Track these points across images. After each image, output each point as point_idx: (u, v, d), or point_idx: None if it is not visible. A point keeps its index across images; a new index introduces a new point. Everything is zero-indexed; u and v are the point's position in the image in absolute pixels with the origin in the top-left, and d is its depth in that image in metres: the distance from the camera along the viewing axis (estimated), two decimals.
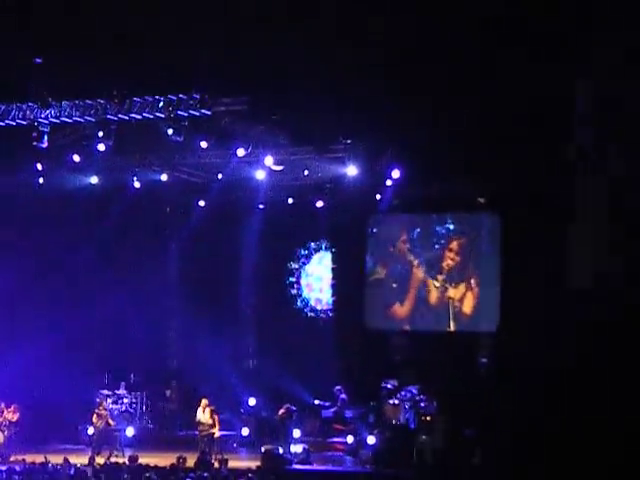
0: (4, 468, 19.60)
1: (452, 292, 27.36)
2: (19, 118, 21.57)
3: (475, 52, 19.53)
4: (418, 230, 28.07)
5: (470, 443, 21.25)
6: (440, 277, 27.61)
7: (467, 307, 27.25)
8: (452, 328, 27.35)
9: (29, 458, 20.67)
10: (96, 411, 23.97)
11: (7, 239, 25.97)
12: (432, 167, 24.31)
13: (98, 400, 24.53)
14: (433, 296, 27.71)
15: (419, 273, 27.94)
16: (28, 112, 21.47)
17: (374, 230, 28.79)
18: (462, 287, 27.29)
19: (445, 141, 22.36)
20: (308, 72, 19.79)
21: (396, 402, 24.94)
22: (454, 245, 27.50)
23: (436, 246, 27.78)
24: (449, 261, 27.52)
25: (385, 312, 28.32)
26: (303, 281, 30.18)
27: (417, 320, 27.91)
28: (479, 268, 27.16)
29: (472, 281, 27.20)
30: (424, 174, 24.96)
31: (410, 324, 28.01)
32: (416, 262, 28.02)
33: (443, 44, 19.05)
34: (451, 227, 27.65)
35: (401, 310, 28.17)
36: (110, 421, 24.01)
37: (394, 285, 28.31)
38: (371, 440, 23.17)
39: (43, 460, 19.98)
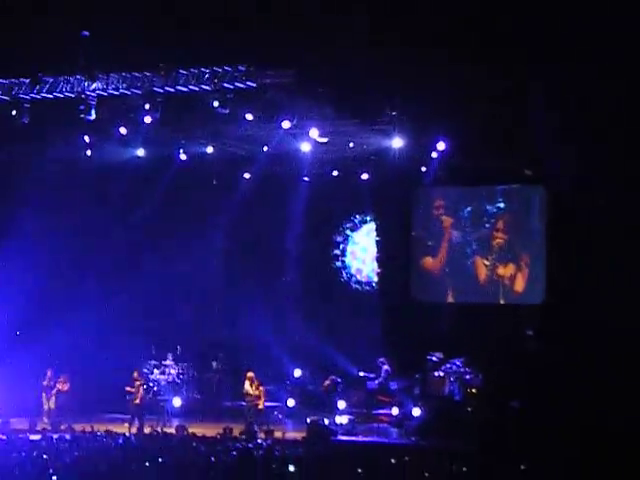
0: (55, 436, 19.88)
1: (502, 271, 27.17)
2: (67, 91, 21.73)
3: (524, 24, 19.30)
4: (468, 209, 27.82)
5: (516, 415, 21.21)
6: (490, 257, 27.41)
7: (518, 285, 27.05)
8: (502, 302, 27.20)
9: (78, 427, 20.94)
10: (132, 381, 24.23)
11: (55, 211, 26.21)
12: (478, 139, 24.11)
13: (136, 371, 24.63)
14: (482, 274, 27.55)
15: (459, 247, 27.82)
16: (76, 85, 21.63)
17: (419, 202, 28.66)
18: (512, 266, 27.08)
19: (491, 112, 22.18)
20: (354, 44, 19.69)
21: (441, 374, 24.94)
22: (503, 224, 27.27)
23: (486, 225, 27.56)
24: (499, 240, 27.30)
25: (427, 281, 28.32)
26: (349, 249, 30.18)
27: (461, 294, 27.82)
28: (529, 245, 26.95)
29: (522, 260, 27.00)
30: (470, 146, 24.77)
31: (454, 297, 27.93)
32: (455, 234, 27.89)
33: (492, 14, 18.85)
34: (501, 205, 27.38)
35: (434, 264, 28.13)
36: (140, 393, 24.04)
37: (438, 256, 28.24)
38: (416, 412, 23.22)
39: (91, 429, 20.23)
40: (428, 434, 21.46)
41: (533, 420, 20.46)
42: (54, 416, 23.36)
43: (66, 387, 23.76)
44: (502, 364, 23.99)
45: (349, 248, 30.20)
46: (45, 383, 23.76)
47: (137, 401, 23.83)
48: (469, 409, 23.26)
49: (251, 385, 23.40)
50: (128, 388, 23.98)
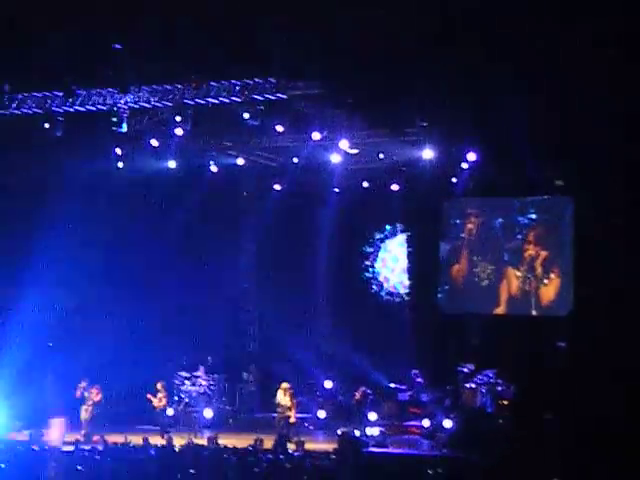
0: (87, 447, 19.97)
1: (533, 282, 27.03)
2: (99, 103, 21.93)
3: (553, 39, 19.19)
4: (500, 220, 27.74)
5: (549, 427, 21.06)
6: (522, 268, 27.28)
7: (548, 296, 26.93)
8: (534, 313, 27.08)
9: (110, 438, 21.00)
10: (157, 395, 24.34)
11: (87, 222, 26.37)
12: (508, 150, 24.04)
13: (157, 384, 24.72)
14: (514, 286, 27.42)
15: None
16: (108, 97, 21.82)
17: (449, 213, 28.61)
18: (544, 277, 26.95)
19: (522, 123, 22.09)
20: (383, 55, 19.69)
21: (473, 386, 24.83)
22: (535, 235, 27.14)
23: (518, 236, 27.46)
24: (530, 252, 27.17)
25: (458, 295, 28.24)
26: (380, 256, 30.15)
27: (491, 305, 27.73)
28: (560, 257, 26.81)
29: (554, 270, 26.87)
30: (500, 157, 24.71)
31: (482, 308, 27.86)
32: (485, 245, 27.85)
33: (521, 26, 18.78)
34: (533, 217, 27.27)
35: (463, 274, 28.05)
36: (162, 403, 24.16)
37: (470, 269, 28.15)
38: (448, 424, 23.08)
39: (124, 440, 20.29)
40: (459, 446, 21.32)
41: (565, 432, 20.33)
42: (87, 427, 23.45)
43: (99, 398, 23.85)
44: (534, 376, 23.85)
45: (380, 255, 30.18)
46: (78, 394, 23.84)
47: (162, 410, 23.99)
48: (501, 421, 23.14)
49: (284, 396, 23.37)
50: (149, 396, 24.11)
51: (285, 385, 23.50)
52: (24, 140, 23.76)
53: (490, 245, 27.88)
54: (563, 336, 25.74)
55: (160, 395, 24.38)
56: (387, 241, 30.11)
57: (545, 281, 26.95)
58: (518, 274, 27.33)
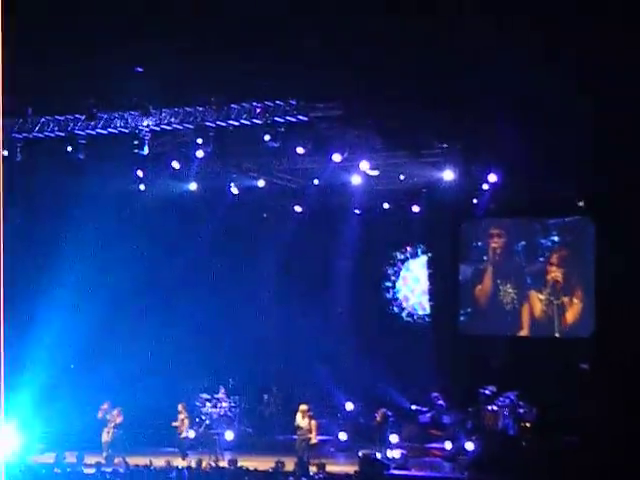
0: (109, 470, 19.97)
1: (557, 305, 26.89)
2: (121, 126, 22.03)
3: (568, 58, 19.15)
4: (522, 243, 27.64)
5: (571, 450, 20.94)
6: (545, 290, 27.15)
7: (571, 318, 26.80)
8: (557, 335, 26.93)
9: (132, 460, 21.00)
10: (177, 417, 24.31)
11: (109, 245, 26.49)
12: (529, 171, 24.00)
13: (179, 406, 24.68)
14: (537, 309, 27.29)
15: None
16: (129, 120, 21.92)
17: (471, 235, 28.56)
18: (567, 299, 26.80)
19: (543, 144, 22.06)
20: (403, 76, 19.71)
21: (495, 408, 24.69)
22: (559, 258, 27.02)
23: (540, 259, 27.34)
24: (553, 274, 27.04)
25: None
26: (402, 274, 30.10)
27: (514, 327, 27.61)
28: (583, 278, 26.66)
29: (577, 292, 26.73)
30: (521, 178, 24.66)
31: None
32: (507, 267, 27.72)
33: (538, 49, 18.75)
34: (556, 239, 27.16)
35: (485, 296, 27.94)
36: (185, 425, 24.13)
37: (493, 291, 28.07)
38: (470, 446, 22.98)
39: (146, 463, 20.27)
40: (482, 469, 21.24)
41: (587, 454, 20.20)
42: (109, 449, 23.45)
43: (120, 420, 23.85)
44: (556, 398, 23.72)
45: (402, 274, 30.14)
46: (100, 416, 23.86)
47: (184, 434, 23.96)
48: (523, 443, 23.02)
49: (303, 418, 23.30)
50: (174, 424, 24.09)
51: (303, 407, 23.43)
52: (47, 163, 23.92)
53: (512, 268, 27.78)
54: (585, 358, 25.61)
55: (182, 417, 24.36)
56: (409, 261, 30.06)
57: (568, 303, 26.81)
58: (541, 297, 27.20)
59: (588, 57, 18.75)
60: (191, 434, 24.62)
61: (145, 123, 21.83)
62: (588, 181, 24.09)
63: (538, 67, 18.94)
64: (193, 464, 21.16)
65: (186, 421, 24.38)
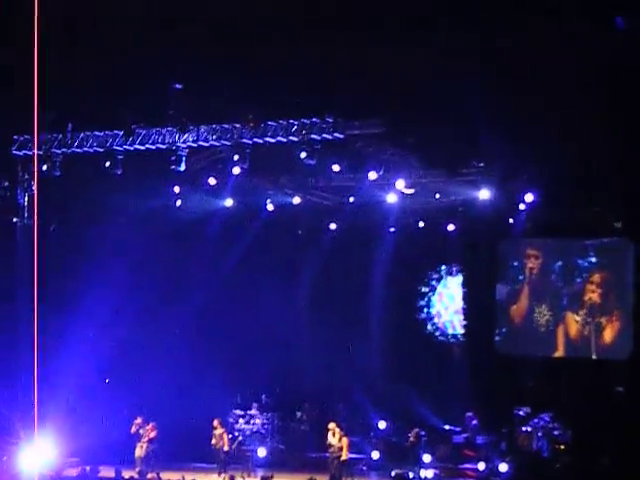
0: None
1: (593, 327, 26.62)
2: (158, 142, 22.21)
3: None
4: (559, 263, 27.41)
5: (606, 473, 20.72)
6: (581, 312, 26.88)
7: (608, 340, 26.50)
8: (594, 357, 26.66)
9: (165, 476, 21.02)
10: (213, 433, 24.27)
11: (144, 260, 26.62)
12: (566, 191, 23.88)
13: (214, 422, 24.67)
14: (573, 330, 27.05)
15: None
16: (167, 136, 22.11)
17: (506, 254, 28.39)
18: (604, 320, 26.53)
19: (580, 165, 21.95)
20: (440, 94, 19.71)
21: (529, 429, 24.50)
22: (596, 279, 26.73)
23: (577, 280, 27.09)
24: (590, 295, 26.77)
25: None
26: (438, 290, 29.99)
27: (550, 348, 27.39)
28: (621, 300, 26.39)
29: (614, 314, 26.47)
30: (557, 198, 24.53)
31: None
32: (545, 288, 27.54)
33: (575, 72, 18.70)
34: (593, 260, 26.90)
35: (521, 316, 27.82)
36: (225, 440, 24.10)
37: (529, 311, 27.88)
38: (503, 468, 22.82)
39: (179, 478, 20.28)
40: None
41: (622, 478, 19.99)
42: (142, 464, 23.48)
43: (153, 434, 23.87)
44: (592, 420, 23.48)
45: (438, 290, 30.03)
46: (133, 430, 23.91)
47: (225, 448, 23.93)
48: (557, 466, 22.80)
49: (333, 436, 23.21)
50: (214, 442, 24.05)
51: (332, 425, 23.30)
52: (85, 178, 24.14)
53: (549, 288, 27.54)
54: (621, 380, 25.34)
55: (219, 432, 24.25)
56: (447, 278, 29.94)
57: (605, 325, 26.53)
58: (577, 318, 26.93)
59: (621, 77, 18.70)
60: (226, 448, 24.57)
61: (182, 139, 21.98)
62: (626, 202, 23.89)
63: (573, 88, 18.90)
64: None
65: (225, 436, 24.29)
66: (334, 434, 23.19)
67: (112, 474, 21.74)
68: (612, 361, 26.12)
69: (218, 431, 24.29)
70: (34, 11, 10.75)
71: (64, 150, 22.72)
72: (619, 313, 26.36)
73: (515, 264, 28.18)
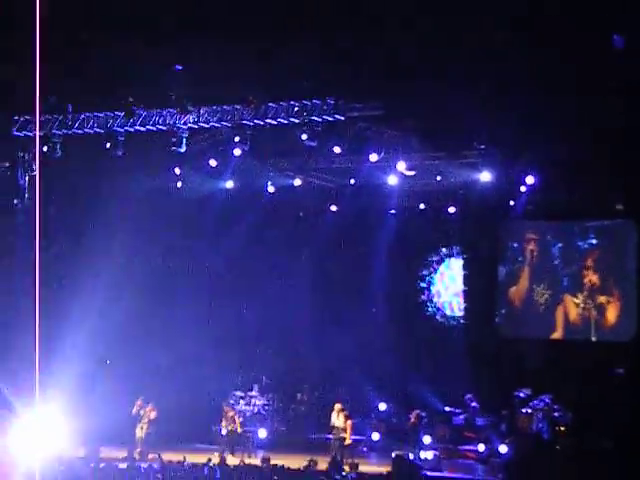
0: (145, 465, 20.06)
1: (593, 309, 26.64)
2: (159, 124, 22.14)
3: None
4: (559, 245, 27.42)
5: (606, 455, 20.76)
6: (581, 294, 26.89)
7: (608, 323, 26.55)
8: (593, 339, 26.70)
9: (166, 456, 21.08)
10: (223, 414, 24.35)
11: (145, 241, 26.62)
12: (567, 173, 23.85)
13: (223, 406, 24.79)
14: (573, 312, 27.07)
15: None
16: (168, 118, 22.04)
17: (507, 236, 28.40)
18: (605, 302, 26.54)
19: (580, 146, 21.91)
20: (441, 77, 19.66)
21: (529, 411, 24.53)
22: (596, 261, 26.75)
23: (578, 262, 27.09)
24: (591, 277, 26.79)
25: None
26: (440, 269, 29.96)
27: (550, 330, 27.42)
28: (621, 282, 26.40)
29: (614, 296, 26.48)
30: (558, 180, 24.50)
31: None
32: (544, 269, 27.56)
33: (584, 47, 18.62)
34: (594, 242, 26.90)
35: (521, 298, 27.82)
36: (237, 423, 24.21)
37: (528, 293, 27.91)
38: (503, 449, 22.85)
39: (180, 459, 20.34)
40: (515, 472, 21.10)
41: (622, 459, 20.02)
42: (142, 445, 23.55)
43: (153, 415, 23.93)
44: (592, 402, 23.52)
45: (440, 269, 30.02)
46: (134, 412, 23.96)
47: (239, 430, 23.99)
48: (557, 447, 22.84)
49: (338, 417, 23.24)
50: (224, 423, 24.10)
51: (338, 406, 23.34)
52: (86, 159, 24.10)
53: (548, 270, 27.58)
54: (621, 362, 25.37)
55: (230, 414, 24.33)
56: (450, 259, 29.93)
57: (605, 307, 26.56)
58: (577, 300, 26.96)
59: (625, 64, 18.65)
60: (224, 431, 24.65)
61: (183, 121, 21.92)
62: (627, 184, 23.87)
63: (576, 73, 18.85)
64: (227, 461, 21.21)
65: (236, 418, 24.35)
66: (339, 415, 23.20)
67: (113, 455, 21.85)
68: (612, 342, 26.17)
69: (230, 413, 24.34)
70: None
71: (65, 131, 22.65)
72: (620, 295, 26.38)
73: (515, 245, 28.20)
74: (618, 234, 26.57)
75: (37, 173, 22.57)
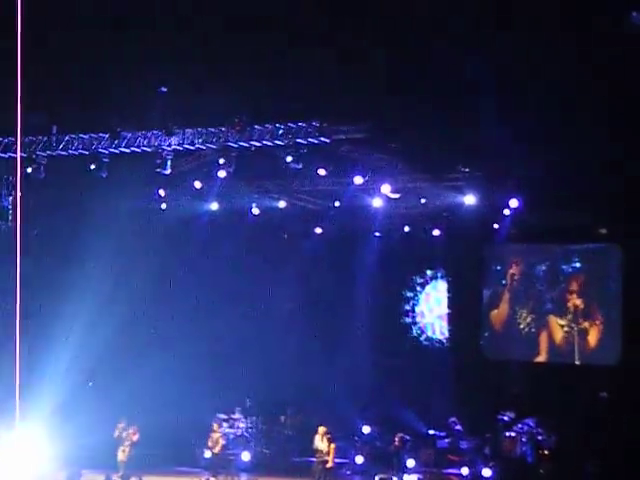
0: None
1: (577, 332, 26.69)
2: (144, 145, 22.11)
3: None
4: (543, 268, 27.53)
5: (590, 478, 20.76)
6: (565, 317, 26.96)
7: (593, 343, 26.61)
8: (577, 362, 26.73)
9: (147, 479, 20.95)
10: (210, 435, 24.22)
11: (129, 263, 26.56)
12: (551, 197, 23.93)
13: (214, 424, 24.73)
14: (557, 334, 27.12)
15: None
16: (152, 139, 22.01)
17: (491, 259, 28.48)
18: (587, 324, 26.62)
19: (565, 170, 22.00)
20: (426, 100, 19.73)
21: (513, 434, 24.53)
22: (580, 284, 26.85)
23: (561, 285, 27.19)
24: (575, 300, 26.87)
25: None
26: (426, 290, 29.96)
27: (534, 353, 27.46)
28: (605, 306, 26.48)
29: (598, 320, 26.56)
30: (543, 204, 24.59)
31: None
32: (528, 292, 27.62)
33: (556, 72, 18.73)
34: (577, 265, 27.01)
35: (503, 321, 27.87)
36: (220, 445, 24.05)
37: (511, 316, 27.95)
38: (487, 473, 22.84)
39: None
40: None
41: None
42: (124, 468, 23.37)
43: (136, 438, 23.76)
44: (576, 425, 23.53)
45: (426, 290, 30.01)
46: (117, 434, 23.80)
47: (213, 455, 23.86)
48: (541, 471, 22.84)
49: (322, 440, 23.14)
50: (210, 444, 23.95)
51: (322, 429, 23.22)
52: (70, 180, 24.05)
53: (532, 293, 27.67)
54: (605, 386, 25.41)
55: (216, 435, 24.18)
56: (438, 281, 29.94)
57: (589, 330, 26.62)
58: (561, 323, 27.04)
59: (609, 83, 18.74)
60: (207, 454, 24.51)
61: (168, 143, 21.91)
62: (611, 209, 23.97)
63: (559, 95, 18.92)
64: None
65: (220, 440, 24.23)
66: (322, 439, 23.10)
67: (95, 478, 21.68)
68: (596, 366, 26.21)
69: (217, 434, 24.23)
70: (17, 12, 10.69)
71: (49, 152, 22.60)
72: (603, 319, 26.45)
73: (499, 268, 28.28)
74: (602, 258, 26.69)
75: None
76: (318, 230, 28.69)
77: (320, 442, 23.06)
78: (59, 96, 20.58)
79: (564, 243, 27.16)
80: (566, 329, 26.90)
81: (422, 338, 29.93)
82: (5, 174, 23.69)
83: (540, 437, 24.11)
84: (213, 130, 21.73)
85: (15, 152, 22.61)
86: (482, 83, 18.69)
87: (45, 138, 22.50)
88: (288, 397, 28.90)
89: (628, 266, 25.44)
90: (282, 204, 26.94)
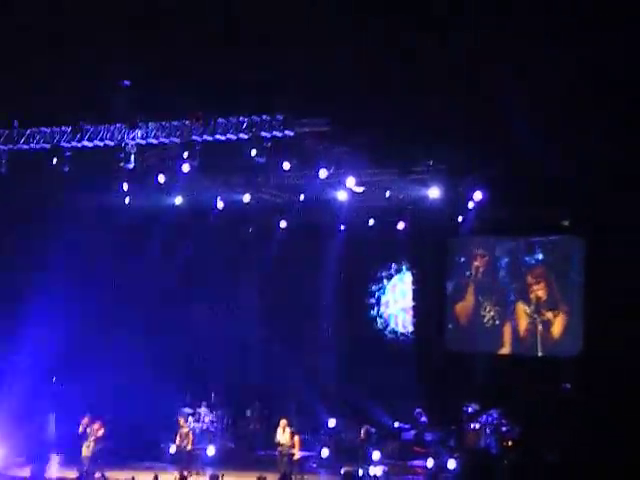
0: None
1: (540, 324, 26.89)
2: (107, 139, 21.96)
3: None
4: (506, 260, 27.71)
5: (553, 469, 20.92)
6: (528, 309, 27.15)
7: (555, 337, 26.81)
8: (540, 354, 26.92)
9: (112, 475, 20.86)
10: (179, 430, 24.15)
11: (93, 257, 26.44)
12: (514, 189, 24.08)
13: (179, 419, 24.67)
14: (520, 327, 27.28)
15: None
16: (116, 133, 21.86)
17: (455, 252, 28.61)
18: (550, 315, 26.83)
19: (528, 163, 22.13)
20: (390, 93, 19.77)
21: (477, 426, 24.69)
22: (542, 276, 27.04)
23: (524, 277, 27.37)
24: (537, 292, 27.07)
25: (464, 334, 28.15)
26: (390, 283, 30.04)
27: (497, 345, 27.63)
28: (568, 297, 26.70)
29: (560, 311, 26.76)
30: (506, 196, 24.73)
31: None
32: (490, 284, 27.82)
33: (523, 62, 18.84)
34: (540, 257, 27.21)
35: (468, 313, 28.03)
36: (189, 440, 24.02)
37: (475, 308, 28.11)
38: (451, 464, 22.95)
39: (128, 477, 20.12)
40: None
41: (571, 475, 20.19)
42: (89, 463, 23.24)
43: (100, 434, 23.63)
44: (540, 416, 23.71)
45: (392, 281, 30.07)
46: (81, 430, 23.65)
47: (188, 448, 23.78)
48: (505, 462, 22.97)
49: (284, 433, 23.18)
50: (178, 441, 23.87)
51: (284, 422, 23.30)
52: (32, 175, 23.84)
53: (496, 285, 27.83)
54: (569, 377, 25.62)
55: (184, 431, 24.09)
56: (405, 273, 30.01)
57: (551, 322, 26.84)
58: (524, 315, 27.22)
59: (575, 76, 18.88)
60: (173, 449, 24.44)
61: (131, 136, 21.77)
62: (573, 200, 24.16)
63: (523, 88, 19.03)
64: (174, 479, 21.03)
65: (190, 435, 24.14)
66: (284, 431, 23.17)
67: (59, 474, 21.61)
68: (559, 357, 26.42)
69: (184, 430, 24.14)
70: None
71: (10, 146, 22.39)
72: (566, 310, 26.67)
73: (463, 260, 28.41)
74: (564, 250, 26.89)
75: None
76: (283, 224, 28.64)
77: (282, 435, 23.14)
78: (20, 89, 20.41)
79: (527, 235, 27.33)
80: (529, 320, 27.08)
81: (387, 331, 29.98)
82: None
83: (504, 428, 24.29)
84: (176, 124, 21.62)
85: None
86: (446, 77, 18.78)
87: (6, 132, 22.30)
88: (254, 391, 28.88)
89: (590, 258, 25.63)
90: (247, 198, 26.85)
